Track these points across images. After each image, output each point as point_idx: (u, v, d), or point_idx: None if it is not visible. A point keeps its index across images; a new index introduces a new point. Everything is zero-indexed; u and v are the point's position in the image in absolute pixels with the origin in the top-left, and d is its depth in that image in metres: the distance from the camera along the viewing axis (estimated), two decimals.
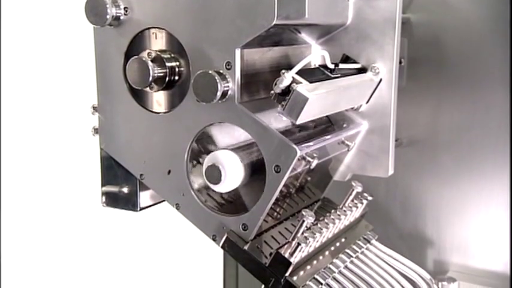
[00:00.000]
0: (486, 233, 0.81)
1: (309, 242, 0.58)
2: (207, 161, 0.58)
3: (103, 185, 0.68)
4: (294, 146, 0.54)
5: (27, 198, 0.78)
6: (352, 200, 0.69)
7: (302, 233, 0.58)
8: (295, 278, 0.57)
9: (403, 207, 0.86)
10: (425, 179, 0.85)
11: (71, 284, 0.84)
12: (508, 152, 0.79)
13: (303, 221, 0.58)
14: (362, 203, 0.69)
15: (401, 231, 0.86)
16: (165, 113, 0.61)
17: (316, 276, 0.59)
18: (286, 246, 0.58)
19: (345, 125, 0.70)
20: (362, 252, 0.69)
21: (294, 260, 0.56)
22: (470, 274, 0.79)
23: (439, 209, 0.84)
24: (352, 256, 0.66)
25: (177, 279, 1.02)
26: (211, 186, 0.58)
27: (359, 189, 0.69)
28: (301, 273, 0.59)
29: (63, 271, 0.83)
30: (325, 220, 0.63)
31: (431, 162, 0.84)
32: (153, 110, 0.61)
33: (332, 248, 0.66)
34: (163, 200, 0.65)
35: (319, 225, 0.61)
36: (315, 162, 0.58)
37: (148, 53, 0.58)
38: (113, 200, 0.67)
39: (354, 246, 0.68)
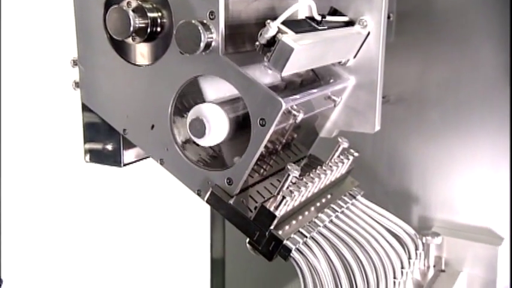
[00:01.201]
0: (470, 190, 0.81)
1: (294, 195, 0.58)
2: (191, 114, 0.57)
3: (86, 141, 0.67)
4: (279, 99, 0.53)
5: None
6: (338, 156, 0.69)
7: (287, 187, 0.58)
8: (280, 231, 0.57)
9: (389, 164, 0.87)
10: (412, 136, 0.85)
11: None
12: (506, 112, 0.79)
13: (288, 175, 0.57)
14: (348, 159, 0.69)
15: (387, 188, 0.86)
16: (147, 65, 0.59)
17: (301, 229, 0.60)
18: (271, 200, 0.58)
19: (331, 80, 0.69)
20: (347, 208, 0.69)
21: (278, 213, 0.56)
22: (454, 229, 0.80)
23: (425, 166, 0.84)
24: (337, 211, 0.67)
25: (164, 242, 1.02)
26: (196, 140, 0.57)
27: (345, 145, 0.69)
28: (287, 227, 0.59)
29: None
30: (311, 175, 0.62)
31: (418, 119, 0.84)
32: (135, 63, 0.60)
33: (317, 204, 0.66)
34: (148, 156, 0.64)
35: (304, 179, 0.61)
36: (300, 116, 0.57)
37: (128, 2, 0.56)
38: (96, 156, 0.66)
39: (340, 202, 0.69)
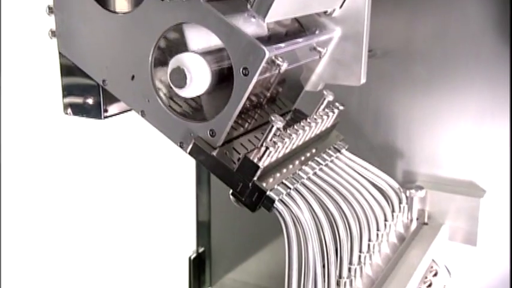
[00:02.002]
0: (455, 144, 0.81)
1: (278, 147, 0.57)
2: (172, 63, 0.55)
3: (65, 95, 0.65)
4: (263, 47, 0.52)
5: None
6: (324, 109, 0.68)
7: (271, 139, 0.57)
8: (263, 183, 0.57)
9: (374, 119, 0.86)
10: (398, 91, 0.84)
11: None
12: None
13: (272, 126, 0.57)
14: (333, 112, 0.68)
15: (372, 144, 0.86)
16: (126, 13, 0.57)
17: (284, 181, 0.59)
18: (254, 151, 0.57)
19: (317, 31, 0.67)
20: (332, 161, 0.69)
21: (262, 164, 0.56)
22: (438, 183, 0.81)
23: (410, 120, 0.84)
24: (321, 164, 0.66)
25: (150, 205, 1.02)
26: (177, 90, 0.56)
27: (330, 98, 0.68)
28: (270, 179, 0.59)
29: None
30: (295, 127, 0.62)
31: (404, 73, 0.83)
32: (114, 10, 0.58)
33: (302, 157, 0.65)
34: (130, 109, 0.63)
35: (288, 131, 0.60)
36: (284, 66, 0.56)
37: None
38: (75, 109, 0.65)
39: (324, 155, 0.68)
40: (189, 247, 1.09)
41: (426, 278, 0.76)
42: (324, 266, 0.58)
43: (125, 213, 0.96)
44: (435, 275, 0.78)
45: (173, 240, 1.07)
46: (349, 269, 0.63)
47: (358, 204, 0.66)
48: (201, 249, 1.09)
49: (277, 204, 0.56)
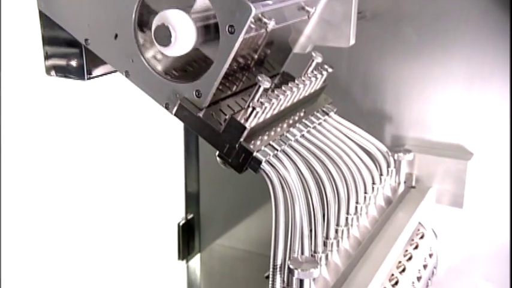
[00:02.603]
0: (444, 108, 0.81)
1: (265, 107, 0.56)
2: (156, 20, 0.54)
3: (47, 57, 0.63)
4: (249, 4, 0.50)
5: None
6: (312, 71, 0.67)
7: (258, 99, 0.56)
8: (250, 144, 0.56)
9: (363, 83, 0.85)
10: (388, 54, 0.83)
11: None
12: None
13: (259, 87, 0.56)
14: (322, 74, 0.68)
15: (360, 108, 0.86)
16: None
17: (271, 143, 0.59)
18: (241, 112, 0.57)
19: None
20: (320, 124, 0.68)
21: (248, 125, 0.55)
22: (426, 146, 0.81)
23: (399, 84, 0.83)
24: (309, 126, 0.66)
25: (137, 176, 1.01)
26: (161, 49, 0.55)
27: (319, 59, 0.67)
28: (258, 141, 0.58)
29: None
30: (283, 88, 0.61)
31: (394, 36, 0.82)
32: None
33: (289, 120, 0.65)
34: (115, 71, 0.62)
35: (276, 92, 0.59)
36: (271, 25, 0.55)
37: None
38: (58, 70, 0.63)
39: (312, 118, 0.68)
40: (178, 214, 1.09)
41: (413, 240, 0.77)
42: (310, 228, 0.58)
43: (110, 179, 0.96)
44: (422, 237, 0.79)
45: (162, 207, 1.07)
46: (336, 231, 0.63)
47: (345, 167, 0.66)
48: (189, 216, 1.09)
49: (264, 166, 0.56)
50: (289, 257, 0.53)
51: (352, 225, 0.66)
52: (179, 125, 1.05)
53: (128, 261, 1.01)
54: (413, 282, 0.72)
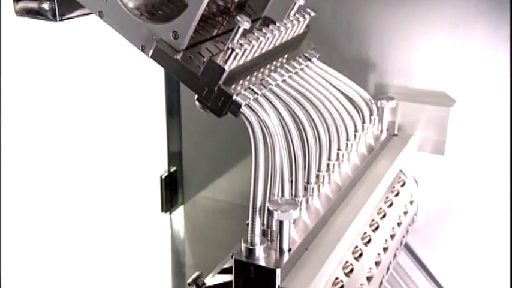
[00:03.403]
0: (428, 55, 0.80)
1: (245, 49, 0.54)
2: None
3: None
4: None
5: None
6: (294, 14, 0.65)
7: (237, 41, 0.54)
8: (230, 88, 0.55)
9: (347, 31, 0.84)
10: (372, 0, 0.81)
11: None
12: None
13: (238, 27, 0.54)
14: (304, 18, 0.66)
15: (344, 56, 0.84)
16: None
17: (252, 86, 0.57)
18: (221, 55, 0.55)
19: None
20: (302, 69, 0.67)
21: (228, 67, 0.53)
22: (409, 94, 0.80)
23: (383, 32, 0.81)
24: (291, 71, 0.64)
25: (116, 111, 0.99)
26: None
27: (301, 2, 0.65)
28: (238, 86, 0.57)
29: None
30: (263, 30, 0.59)
31: None
32: None
33: (271, 65, 0.63)
34: (89, 13, 0.59)
35: (256, 34, 0.58)
36: None
37: None
38: (29, 12, 0.60)
39: (294, 63, 0.66)
40: (161, 167, 1.09)
41: (394, 187, 0.77)
42: (291, 172, 0.57)
43: (91, 132, 0.94)
44: (403, 185, 0.79)
45: (144, 160, 1.06)
46: (317, 176, 0.63)
47: (327, 113, 0.65)
48: (172, 169, 1.09)
49: (244, 109, 0.55)
50: (269, 200, 0.53)
51: (333, 171, 0.66)
52: (160, 73, 1.03)
53: (111, 215, 1.01)
54: (393, 228, 0.73)
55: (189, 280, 0.59)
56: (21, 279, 0.85)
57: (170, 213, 1.10)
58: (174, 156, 1.08)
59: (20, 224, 0.84)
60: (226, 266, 0.61)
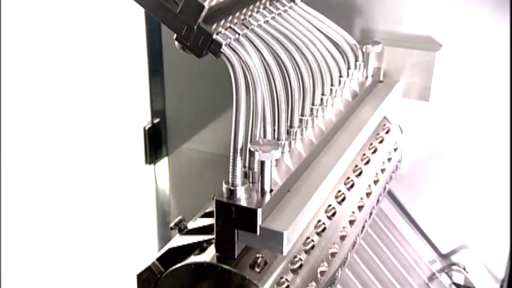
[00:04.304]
0: (415, 0, 0.78)
1: None
2: None
3: None
4: None
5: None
6: None
7: None
8: (210, 27, 0.53)
9: None
10: None
11: None
12: None
13: None
14: None
15: (329, 0, 0.82)
16: None
17: (233, 26, 0.55)
18: None
19: None
20: (286, 11, 0.65)
21: (207, 4, 0.51)
22: (396, 40, 0.79)
23: None
24: (274, 13, 0.62)
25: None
26: None
27: None
28: (219, 27, 0.55)
29: None
30: None
31: None
32: None
33: (253, 5, 0.61)
34: None
35: None
36: None
37: None
38: None
39: (277, 4, 0.64)
40: (144, 118, 1.07)
41: (378, 134, 0.77)
42: (274, 116, 0.56)
43: (72, 85, 0.92)
44: (387, 132, 0.79)
45: (126, 112, 1.04)
46: (300, 120, 0.62)
47: (312, 56, 0.63)
48: (156, 120, 1.07)
49: (225, 49, 0.53)
50: (251, 141, 0.52)
51: (317, 116, 0.65)
52: (141, 18, 0.99)
53: (94, 169, 1.00)
54: (376, 174, 0.73)
55: (171, 224, 0.59)
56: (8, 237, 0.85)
57: (154, 165, 1.09)
58: (157, 108, 1.06)
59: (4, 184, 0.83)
60: (208, 210, 0.60)
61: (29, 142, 0.86)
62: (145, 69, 1.04)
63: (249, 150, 0.50)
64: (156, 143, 1.08)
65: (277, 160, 0.56)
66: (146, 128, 1.06)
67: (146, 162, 1.08)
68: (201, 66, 1.00)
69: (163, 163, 1.10)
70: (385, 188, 0.76)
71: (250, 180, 0.53)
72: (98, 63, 0.96)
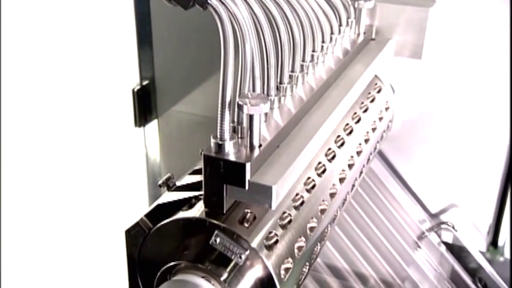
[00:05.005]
0: None
1: None
2: None
3: None
4: None
5: None
6: None
7: None
8: None
9: None
10: None
11: None
12: None
13: None
14: None
15: None
16: None
17: None
18: None
19: None
20: None
21: None
22: None
23: None
24: None
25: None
26: None
27: None
28: None
29: None
30: None
31: None
32: None
33: None
34: None
35: None
36: None
37: None
38: None
39: None
40: (133, 80, 1.05)
41: (370, 93, 0.76)
42: (263, 71, 0.55)
43: (57, 44, 0.89)
44: (379, 91, 0.78)
45: (115, 73, 1.02)
46: (290, 77, 0.61)
47: (302, 11, 0.62)
48: (144, 82, 1.05)
49: (212, 0, 0.51)
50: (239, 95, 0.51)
51: (307, 73, 0.64)
52: None
53: (83, 131, 0.99)
54: (367, 133, 0.72)
55: (160, 181, 0.58)
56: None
57: (144, 128, 1.08)
58: (146, 69, 1.04)
59: None
60: (197, 167, 0.60)
61: (21, 99, 0.85)
62: (133, 30, 1.02)
63: (238, 103, 0.49)
64: (145, 106, 1.07)
65: (266, 116, 0.55)
66: (135, 90, 1.04)
67: (136, 125, 1.07)
68: (190, 27, 0.98)
69: (153, 126, 1.08)
70: (375, 148, 0.76)
71: (239, 136, 0.52)
72: (84, 22, 0.93)
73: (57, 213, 0.94)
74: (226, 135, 0.49)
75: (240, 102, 0.48)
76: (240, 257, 0.48)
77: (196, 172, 0.59)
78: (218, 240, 0.49)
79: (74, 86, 0.94)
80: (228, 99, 0.49)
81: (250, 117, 0.49)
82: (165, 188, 0.58)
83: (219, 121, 0.49)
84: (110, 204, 1.02)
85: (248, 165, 0.48)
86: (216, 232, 0.49)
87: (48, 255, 0.95)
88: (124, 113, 1.06)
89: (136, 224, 0.54)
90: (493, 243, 0.83)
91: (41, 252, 0.94)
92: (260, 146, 0.51)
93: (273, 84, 0.57)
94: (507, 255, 0.83)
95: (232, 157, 0.48)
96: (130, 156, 1.08)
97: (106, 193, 1.02)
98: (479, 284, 0.85)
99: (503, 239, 0.82)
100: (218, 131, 0.49)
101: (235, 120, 0.52)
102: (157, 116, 1.08)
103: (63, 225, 0.95)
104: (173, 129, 1.09)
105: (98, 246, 1.02)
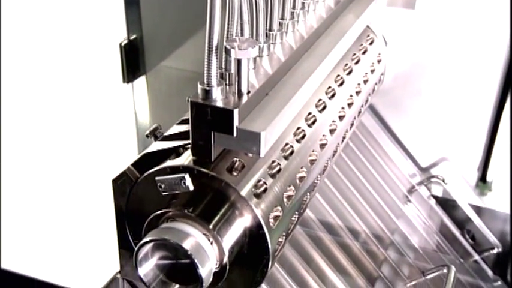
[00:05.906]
0: None
1: None
2: None
3: None
4: None
5: None
6: None
7: None
8: None
9: None
10: None
11: None
12: None
13: None
14: None
15: None
16: None
17: None
18: None
19: None
20: None
21: None
22: None
23: None
24: None
25: None
26: None
27: None
28: None
29: None
30: None
31: None
32: None
33: None
34: None
35: None
36: None
37: None
38: None
39: None
40: (119, 34, 1.02)
41: (362, 45, 0.75)
42: (252, 15, 0.53)
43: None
44: (371, 43, 0.76)
45: (101, 27, 0.99)
46: (280, 24, 0.59)
47: None
48: (132, 36, 1.02)
49: None
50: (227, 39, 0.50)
51: (297, 20, 0.62)
52: None
53: (70, 88, 0.97)
54: (359, 84, 0.71)
55: (147, 132, 0.57)
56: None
57: (132, 84, 1.06)
58: (133, 23, 1.01)
59: None
60: (184, 118, 0.59)
61: (12, 57, 0.83)
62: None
63: (225, 48, 0.47)
64: (133, 61, 1.04)
65: (255, 63, 0.54)
66: (122, 45, 1.02)
67: (124, 80, 1.05)
68: None
69: (142, 81, 1.06)
70: (367, 100, 0.75)
71: (227, 82, 0.51)
72: None
73: (52, 167, 0.94)
74: (214, 81, 0.48)
75: (228, 46, 0.47)
76: (185, 184, 0.47)
77: (184, 122, 0.58)
78: (163, 186, 0.48)
79: (60, 42, 0.92)
80: (215, 42, 0.48)
81: (238, 62, 0.47)
82: (153, 138, 0.57)
83: (205, 66, 0.48)
84: (100, 160, 1.01)
85: (236, 112, 0.47)
86: (156, 179, 0.48)
87: (40, 208, 0.95)
88: (111, 69, 1.03)
89: (123, 173, 0.53)
90: (482, 178, 0.84)
91: (33, 203, 0.93)
92: (248, 92, 0.49)
93: (261, 30, 0.55)
94: (495, 190, 0.84)
95: (219, 103, 0.47)
96: (119, 112, 1.06)
97: (96, 149, 1.00)
98: (467, 236, 0.86)
99: (491, 175, 0.83)
100: (205, 76, 0.48)
101: (224, 66, 0.51)
102: (145, 71, 1.06)
103: (57, 180, 0.95)
104: (162, 85, 1.07)
105: (88, 199, 1.02)
